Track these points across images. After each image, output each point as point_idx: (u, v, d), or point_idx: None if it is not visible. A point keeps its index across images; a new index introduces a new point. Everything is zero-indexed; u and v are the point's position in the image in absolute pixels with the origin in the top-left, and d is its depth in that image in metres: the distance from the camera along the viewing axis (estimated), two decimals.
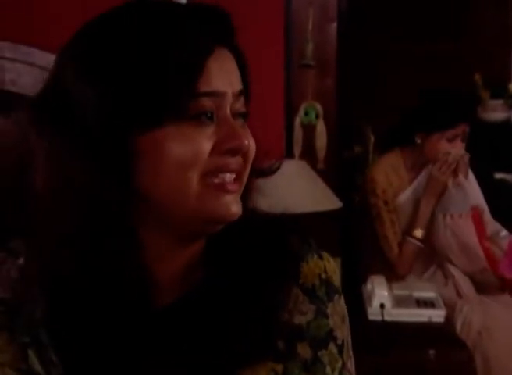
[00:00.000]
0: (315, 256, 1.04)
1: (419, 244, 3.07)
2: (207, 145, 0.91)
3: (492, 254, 3.09)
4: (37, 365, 0.91)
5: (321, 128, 3.11)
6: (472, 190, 3.14)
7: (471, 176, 3.17)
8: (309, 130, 3.11)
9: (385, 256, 3.11)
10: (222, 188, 0.93)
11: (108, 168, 0.90)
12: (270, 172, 1.05)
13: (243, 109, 0.97)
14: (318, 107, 3.10)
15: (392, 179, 3.13)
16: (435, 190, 3.07)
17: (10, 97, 2.20)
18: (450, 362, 2.62)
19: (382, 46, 4.42)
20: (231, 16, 0.96)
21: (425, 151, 3.07)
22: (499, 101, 4.40)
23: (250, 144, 0.95)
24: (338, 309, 1.04)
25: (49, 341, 0.92)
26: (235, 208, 0.95)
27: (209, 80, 0.91)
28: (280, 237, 1.03)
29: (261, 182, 1.03)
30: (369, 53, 4.36)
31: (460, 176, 3.08)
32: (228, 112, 0.94)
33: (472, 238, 3.09)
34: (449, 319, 2.86)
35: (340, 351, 1.03)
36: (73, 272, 0.91)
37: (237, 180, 0.95)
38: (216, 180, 0.93)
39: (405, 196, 3.14)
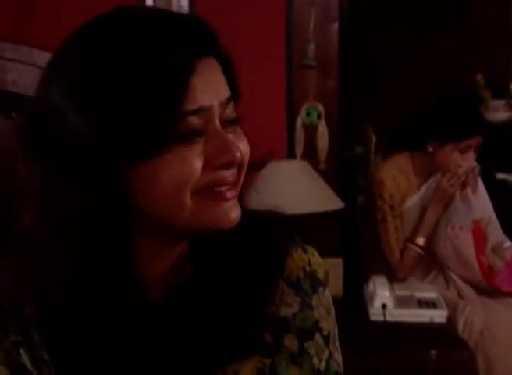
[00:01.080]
0: (299, 249, 1.06)
1: (420, 251, 3.07)
2: (198, 163, 0.90)
3: (488, 269, 3.08)
4: (28, 363, 0.91)
5: (322, 128, 3.11)
6: (479, 203, 3.11)
7: (481, 188, 3.14)
8: (311, 130, 3.11)
9: (386, 260, 3.11)
10: (219, 197, 0.93)
11: (101, 195, 0.89)
12: (259, 166, 1.05)
13: (233, 115, 0.95)
14: (320, 107, 3.10)
15: (400, 182, 3.11)
16: (442, 200, 3.05)
17: (11, 97, 2.20)
18: (452, 363, 2.62)
19: (384, 46, 4.42)
20: (209, 24, 0.94)
21: (437, 161, 3.05)
22: (501, 102, 4.40)
23: (243, 150, 0.94)
24: (323, 301, 1.05)
25: (40, 340, 0.92)
26: (234, 213, 0.94)
27: (194, 97, 0.90)
28: (265, 233, 1.04)
29: (261, 182, 1.03)
30: (371, 53, 4.35)
31: (468, 189, 3.06)
32: (217, 124, 0.92)
33: (469, 252, 3.07)
34: (451, 320, 2.86)
35: (326, 342, 1.04)
36: (64, 278, 0.91)
37: (233, 187, 0.95)
38: (212, 192, 0.92)
39: (412, 201, 3.13)
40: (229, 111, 0.95)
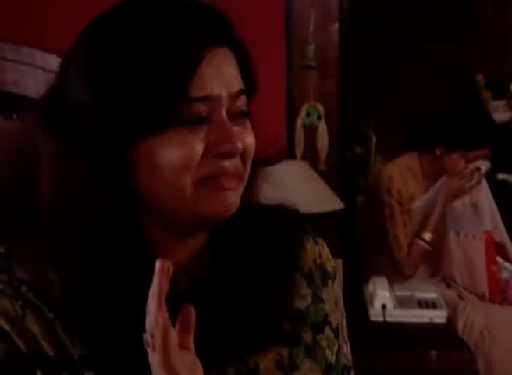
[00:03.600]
0: (311, 240, 1.07)
1: (427, 246, 3.06)
2: (199, 148, 0.91)
3: (496, 281, 3.08)
4: (65, 338, 0.91)
5: (322, 129, 3.11)
6: (487, 212, 3.12)
7: (489, 195, 3.14)
8: (311, 130, 3.11)
9: (393, 256, 3.10)
10: (218, 187, 0.93)
11: (106, 173, 0.91)
12: (274, 161, 1.06)
13: (243, 108, 0.95)
14: (320, 108, 3.10)
15: (409, 180, 3.11)
16: (452, 196, 3.04)
17: (12, 98, 2.20)
18: (452, 363, 2.62)
19: (384, 46, 4.42)
20: (226, 13, 0.95)
21: (444, 165, 3.05)
22: (501, 102, 4.40)
23: (247, 143, 0.94)
24: (331, 295, 1.07)
25: (71, 316, 0.91)
26: (230, 200, 0.94)
27: (202, 84, 0.91)
28: (280, 224, 1.04)
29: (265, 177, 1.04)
30: (370, 53, 4.36)
31: (476, 197, 3.05)
32: (223, 114, 0.93)
33: (481, 262, 3.08)
34: (451, 320, 2.86)
35: (336, 335, 1.06)
36: (81, 266, 0.91)
37: (235, 177, 0.95)
38: (213, 182, 0.92)
39: (420, 203, 3.12)
40: (240, 103, 0.95)
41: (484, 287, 3.06)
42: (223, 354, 0.95)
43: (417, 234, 3.07)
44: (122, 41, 0.91)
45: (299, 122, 3.10)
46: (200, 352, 0.92)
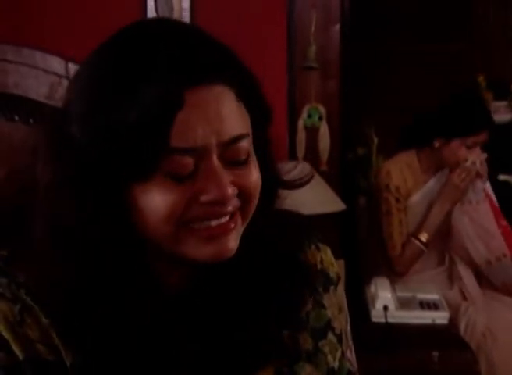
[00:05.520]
0: (313, 247, 1.05)
1: (422, 247, 3.05)
2: (183, 197, 0.85)
3: (511, 233, 3.08)
4: (59, 344, 0.90)
5: (324, 130, 3.11)
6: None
7: None
8: (312, 132, 3.11)
9: (386, 253, 3.10)
10: (208, 234, 0.88)
11: (95, 206, 0.87)
12: (299, 185, 1.04)
13: (240, 156, 0.87)
14: (321, 109, 3.10)
15: (407, 176, 3.11)
16: (453, 197, 3.04)
17: (13, 100, 2.20)
18: (454, 364, 2.62)
19: (385, 47, 4.42)
20: (221, 44, 0.88)
21: (444, 157, 3.05)
22: (503, 103, 4.40)
23: (246, 185, 0.88)
24: (334, 300, 1.06)
25: (67, 324, 0.89)
26: (226, 246, 0.89)
27: (184, 133, 0.82)
28: (282, 234, 1.02)
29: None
30: (372, 54, 4.35)
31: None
32: (212, 161, 0.85)
33: (491, 222, 3.08)
34: (453, 321, 2.86)
35: (339, 341, 1.04)
36: (80, 283, 0.90)
37: (234, 218, 0.89)
38: (202, 226, 0.88)
39: (417, 197, 3.12)
40: (235, 151, 0.87)
41: (502, 247, 3.06)
42: (223, 372, 0.93)
43: (414, 234, 3.07)
44: (105, 82, 0.86)
45: (300, 123, 3.10)
46: (199, 371, 0.91)
